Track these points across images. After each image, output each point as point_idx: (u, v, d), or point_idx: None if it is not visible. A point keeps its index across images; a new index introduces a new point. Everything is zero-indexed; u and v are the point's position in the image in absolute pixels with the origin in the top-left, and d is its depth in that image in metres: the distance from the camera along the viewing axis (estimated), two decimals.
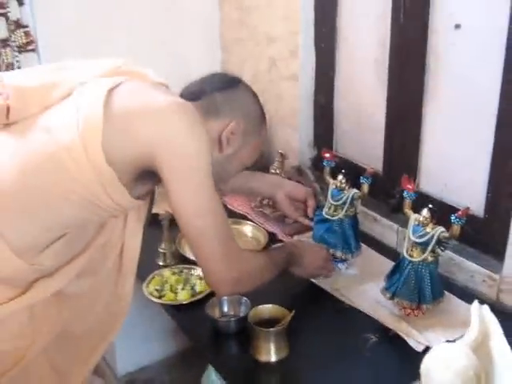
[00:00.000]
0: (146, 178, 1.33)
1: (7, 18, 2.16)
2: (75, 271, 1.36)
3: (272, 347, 1.44)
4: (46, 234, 1.28)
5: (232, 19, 2.53)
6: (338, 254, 1.78)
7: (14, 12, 2.17)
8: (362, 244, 1.85)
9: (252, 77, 2.49)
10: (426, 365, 1.07)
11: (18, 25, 2.19)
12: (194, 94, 1.42)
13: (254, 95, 1.55)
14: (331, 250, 1.77)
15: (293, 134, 2.34)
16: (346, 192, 1.74)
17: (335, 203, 1.75)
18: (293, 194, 1.88)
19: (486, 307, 1.23)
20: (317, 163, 2.27)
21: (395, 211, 1.95)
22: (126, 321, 2.08)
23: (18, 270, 1.26)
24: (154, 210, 2.01)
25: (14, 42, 2.20)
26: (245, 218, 2.14)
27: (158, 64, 2.48)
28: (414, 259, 1.52)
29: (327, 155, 1.81)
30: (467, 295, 1.66)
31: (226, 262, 1.32)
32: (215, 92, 1.44)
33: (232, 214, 2.15)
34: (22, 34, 2.21)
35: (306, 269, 1.67)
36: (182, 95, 1.43)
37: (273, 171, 2.14)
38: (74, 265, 1.35)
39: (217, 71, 1.57)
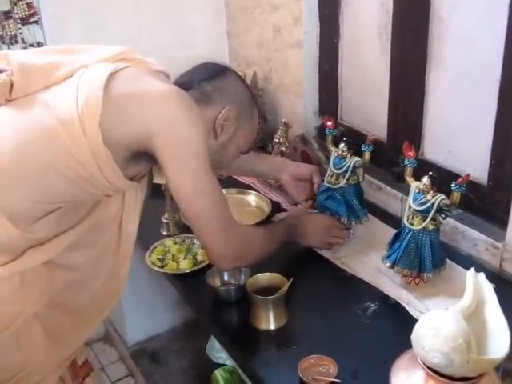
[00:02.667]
0: (141, 160, 1.36)
1: None
2: (66, 243, 1.37)
3: (271, 315, 1.44)
4: (41, 206, 1.29)
5: None
6: (342, 221, 1.77)
7: None
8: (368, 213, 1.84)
9: (257, 45, 2.46)
10: (417, 331, 1.07)
11: None
12: (184, 85, 1.44)
13: (243, 81, 1.60)
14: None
15: (297, 102, 2.32)
16: (347, 160, 1.73)
17: (337, 171, 1.74)
18: (297, 173, 1.88)
19: (481, 275, 1.21)
20: (322, 132, 2.25)
21: (399, 180, 1.93)
22: (135, 291, 2.12)
23: (12, 236, 1.28)
24: (157, 181, 2.02)
25: (17, 14, 2.19)
26: (249, 187, 2.13)
27: (163, 34, 2.51)
28: (414, 227, 1.51)
29: (329, 123, 1.79)
30: (470, 264, 1.64)
31: (224, 239, 1.36)
32: (204, 82, 1.48)
33: (237, 184, 2.15)
34: (25, 5, 2.20)
35: (312, 237, 1.71)
36: None
37: (276, 140, 2.13)
38: (66, 237, 1.36)
39: (205, 62, 1.58)
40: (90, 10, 2.33)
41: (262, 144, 2.35)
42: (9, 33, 2.18)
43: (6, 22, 2.17)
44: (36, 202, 1.28)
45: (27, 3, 2.19)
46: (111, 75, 1.31)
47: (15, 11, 2.18)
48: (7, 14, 2.16)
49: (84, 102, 1.25)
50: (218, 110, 1.46)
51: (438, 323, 1.02)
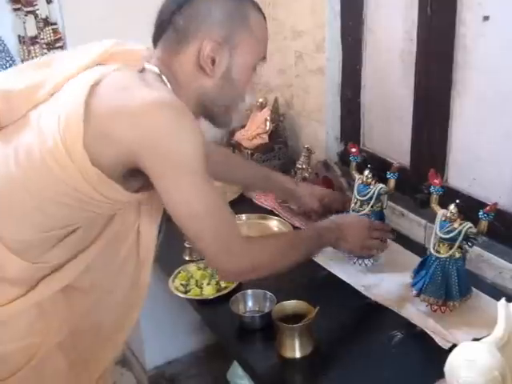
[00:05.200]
0: (138, 175, 1.24)
1: (36, 16, 2.18)
2: (83, 265, 1.31)
3: (297, 343, 1.43)
4: (53, 233, 1.24)
5: None
6: None
7: (43, 10, 2.19)
8: (390, 240, 1.83)
9: (279, 71, 2.48)
10: (450, 363, 1.05)
11: (47, 22, 2.21)
12: (158, 29, 1.33)
13: None
14: None
15: (320, 128, 2.33)
16: (372, 187, 1.72)
17: (361, 198, 1.73)
18: (321, 194, 1.92)
19: None
20: (344, 158, 2.25)
21: (423, 206, 1.92)
22: (154, 315, 2.11)
23: (21, 269, 1.24)
24: None
25: (43, 39, 2.22)
26: (271, 213, 2.13)
27: None
28: (440, 255, 1.51)
29: (353, 150, 1.79)
30: (496, 292, 1.63)
31: (227, 261, 1.29)
32: (174, 16, 1.29)
33: (258, 209, 2.16)
34: (51, 31, 2.23)
35: (349, 242, 1.63)
36: (153, 40, 1.36)
37: (299, 166, 2.13)
38: (82, 258, 1.31)
39: None
40: (113, 35, 2.35)
41: (284, 169, 2.35)
42: (35, 58, 2.20)
43: (32, 47, 2.20)
44: (40, 232, 1.23)
45: (53, 29, 2.23)
46: (93, 88, 1.19)
47: (41, 36, 2.21)
48: (34, 39, 2.19)
49: (65, 124, 1.16)
50: (198, 44, 1.28)
51: (472, 355, 1.01)
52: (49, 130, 1.18)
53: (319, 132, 2.33)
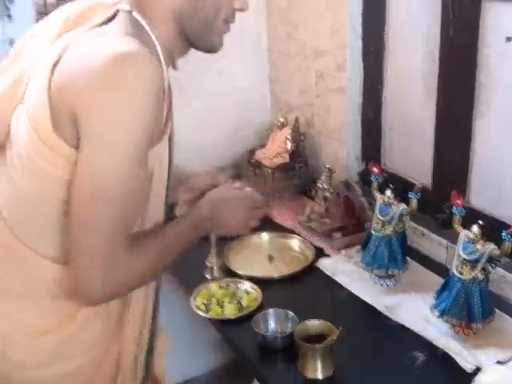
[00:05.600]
0: None
1: None
2: None
3: (319, 364, 1.43)
4: None
5: (279, 34, 2.54)
6: (386, 270, 1.76)
7: None
8: (410, 260, 1.83)
9: (300, 91, 2.49)
10: None
11: None
12: None
13: None
14: (377, 270, 1.75)
15: (340, 147, 2.33)
16: (393, 207, 1.72)
17: (383, 218, 1.73)
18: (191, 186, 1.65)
19: None
20: (365, 177, 2.25)
21: (445, 226, 1.92)
22: (174, 332, 2.10)
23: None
24: None
25: None
26: (292, 232, 2.13)
27: (207, 78, 2.55)
28: (463, 277, 1.50)
29: (375, 169, 1.79)
30: None
31: (103, 274, 1.12)
32: None
33: (279, 228, 2.16)
34: None
35: (229, 227, 1.47)
36: None
37: (320, 186, 2.13)
38: None
39: None
40: None
41: (304, 189, 2.36)
42: None
43: None
44: None
45: None
46: (53, 69, 1.12)
47: None
48: None
49: (33, 117, 1.13)
50: None
51: (498, 379, 1.01)
52: (23, 128, 1.15)
53: (340, 151, 2.34)
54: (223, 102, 2.62)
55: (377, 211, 1.75)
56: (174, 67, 1.34)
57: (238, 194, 1.49)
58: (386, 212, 1.73)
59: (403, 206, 1.71)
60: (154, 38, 1.20)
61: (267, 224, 2.18)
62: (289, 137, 2.35)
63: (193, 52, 2.47)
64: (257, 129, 2.70)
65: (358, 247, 1.89)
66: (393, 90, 2.12)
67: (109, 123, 1.05)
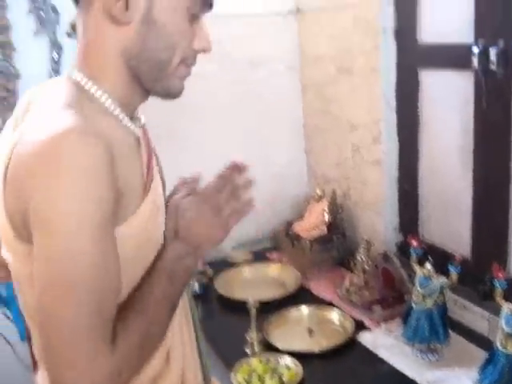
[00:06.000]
0: None
1: None
2: None
3: None
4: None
5: (315, 108, 2.60)
6: (428, 344, 1.74)
7: None
8: (452, 332, 1.80)
9: (336, 163, 2.53)
10: None
11: None
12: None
13: None
14: (418, 345, 1.73)
15: (378, 219, 2.35)
16: (434, 280, 1.72)
17: (423, 292, 1.73)
18: None
19: None
20: (403, 248, 2.25)
21: (486, 298, 1.90)
22: None
23: None
24: (242, 297, 2.06)
25: None
26: (331, 304, 2.13)
27: (244, 150, 2.61)
28: (508, 351, 1.48)
29: (414, 243, 1.80)
30: None
31: (80, 371, 0.92)
32: None
33: (318, 301, 2.15)
34: None
35: (209, 241, 1.15)
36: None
37: (358, 258, 2.14)
38: None
39: None
40: (182, 128, 2.47)
41: (342, 261, 2.36)
42: None
43: None
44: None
45: None
46: (8, 161, 1.00)
47: None
48: None
49: None
50: None
51: None
52: None
53: (377, 223, 2.35)
54: (260, 175, 2.65)
55: (417, 284, 1.75)
56: (133, 117, 1.13)
57: (196, 201, 1.17)
58: (426, 285, 1.72)
59: (443, 278, 1.71)
60: (98, 95, 1.05)
61: (306, 297, 2.20)
62: (326, 209, 2.38)
63: (233, 124, 2.57)
64: (294, 201, 2.74)
65: (399, 320, 1.88)
66: (429, 162, 2.14)
67: (54, 206, 0.91)
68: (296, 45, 2.64)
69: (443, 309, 1.76)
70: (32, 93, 1.13)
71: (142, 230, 1.06)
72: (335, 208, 2.42)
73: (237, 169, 1.22)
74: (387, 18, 2.16)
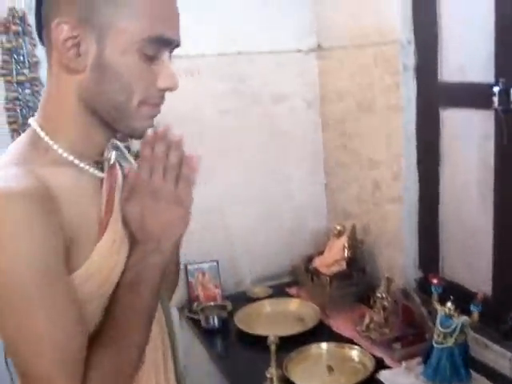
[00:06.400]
0: None
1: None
2: None
3: None
4: None
5: (335, 144, 2.62)
6: None
7: None
8: (474, 372, 1.79)
9: (356, 199, 2.54)
10: None
11: None
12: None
13: None
14: None
15: (398, 254, 2.34)
16: (455, 319, 1.71)
17: (444, 331, 1.72)
18: None
19: None
20: (422, 284, 2.24)
21: (508, 337, 1.88)
22: None
23: None
24: (262, 332, 2.06)
25: None
26: (351, 342, 2.12)
27: (263, 186, 2.63)
28: None
29: (435, 281, 1.80)
30: None
31: None
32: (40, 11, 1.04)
33: (338, 338, 2.14)
34: None
35: (169, 232, 1.08)
36: None
37: (379, 295, 2.13)
38: None
39: None
40: (203, 166, 2.49)
41: (362, 296, 2.35)
42: None
43: None
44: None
45: None
46: None
47: None
48: None
49: None
50: (53, 34, 0.99)
51: None
52: None
53: (397, 258, 2.35)
54: (280, 209, 2.69)
55: (438, 323, 1.74)
56: (99, 160, 1.10)
57: (134, 197, 1.09)
58: (448, 324, 1.71)
59: (464, 317, 1.70)
60: (51, 144, 1.04)
61: (326, 333, 2.19)
62: (346, 245, 2.38)
63: (254, 160, 2.59)
64: (312, 235, 2.75)
65: (419, 359, 1.87)
66: (449, 198, 2.14)
67: None
68: (317, 81, 2.67)
69: (464, 348, 1.75)
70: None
71: (102, 269, 1.03)
72: (355, 243, 2.42)
73: (157, 139, 1.07)
74: (408, 55, 2.18)
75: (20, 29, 2.07)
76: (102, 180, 1.10)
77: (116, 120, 1.05)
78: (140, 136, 1.09)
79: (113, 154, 1.15)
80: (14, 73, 2.08)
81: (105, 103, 1.03)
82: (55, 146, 1.04)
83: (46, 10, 1.02)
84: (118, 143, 1.21)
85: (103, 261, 1.03)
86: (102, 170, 1.11)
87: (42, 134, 1.05)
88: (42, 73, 2.11)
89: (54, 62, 1.03)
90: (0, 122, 2.12)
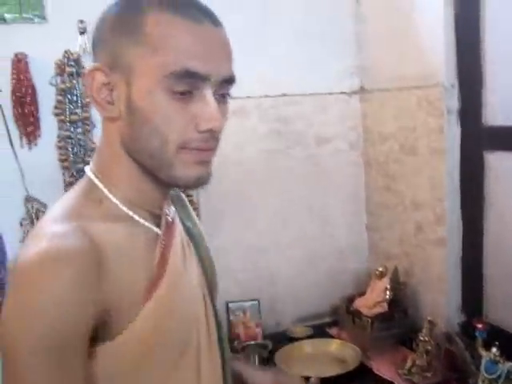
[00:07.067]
0: None
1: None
2: None
3: None
4: None
5: (378, 185, 2.63)
6: None
7: None
8: None
9: (398, 240, 2.53)
10: None
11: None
12: None
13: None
14: None
15: (441, 297, 2.33)
16: (500, 365, 1.69)
17: (489, 377, 1.70)
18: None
19: None
20: (466, 329, 2.22)
21: None
22: None
23: None
24: (302, 372, 2.05)
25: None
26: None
27: (305, 227, 2.65)
28: None
29: (479, 325, 1.78)
30: None
31: None
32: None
33: (379, 381, 2.12)
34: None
35: None
36: None
37: (421, 338, 2.11)
38: None
39: None
40: (244, 203, 2.53)
41: (403, 339, 2.33)
42: None
43: None
44: None
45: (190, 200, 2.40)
46: None
47: None
48: None
49: None
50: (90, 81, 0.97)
51: None
52: None
53: (440, 301, 2.33)
54: (322, 249, 2.70)
55: (483, 369, 1.72)
56: (160, 210, 1.06)
57: None
58: (493, 370, 1.69)
59: (510, 363, 1.68)
60: (106, 194, 1.00)
61: (367, 375, 2.17)
62: (388, 286, 2.37)
63: (294, 199, 2.62)
64: (354, 276, 2.75)
65: None
66: (494, 241, 2.13)
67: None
68: (360, 123, 2.70)
69: None
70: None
71: (144, 340, 0.95)
72: (397, 285, 2.41)
73: None
74: (452, 98, 2.20)
75: (74, 70, 2.15)
76: (157, 235, 1.03)
77: (155, 168, 0.98)
78: (188, 185, 1.02)
79: (171, 209, 1.10)
80: (68, 112, 2.16)
81: (141, 151, 0.97)
82: (110, 196, 1.00)
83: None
84: (183, 196, 1.20)
85: (148, 329, 0.96)
86: (159, 224, 1.04)
87: (97, 181, 1.01)
88: (94, 112, 2.18)
89: (90, 97, 0.99)
90: (50, 158, 2.20)
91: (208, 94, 0.94)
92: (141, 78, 0.93)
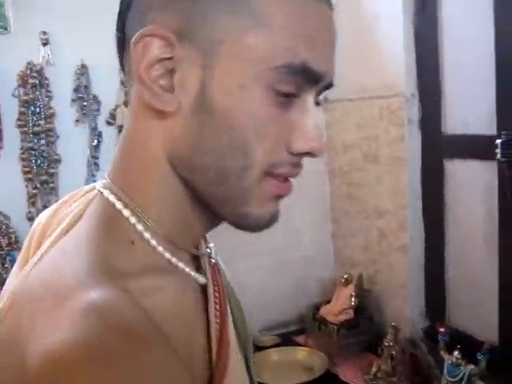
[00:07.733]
0: None
1: None
2: None
3: None
4: None
5: (342, 193, 2.67)
6: None
7: None
8: None
9: (363, 247, 2.57)
10: None
11: None
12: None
13: None
14: None
15: (404, 303, 2.36)
16: (462, 368, 1.73)
17: (452, 380, 1.73)
18: None
19: None
20: (429, 333, 2.25)
21: None
22: None
23: None
24: (270, 381, 2.06)
25: None
26: None
27: (271, 235, 2.65)
28: None
29: (441, 330, 1.82)
30: None
31: None
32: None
33: None
34: None
35: None
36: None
37: (386, 344, 2.14)
38: None
39: None
40: None
41: (369, 345, 2.36)
42: None
43: None
44: None
45: None
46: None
47: None
48: None
49: None
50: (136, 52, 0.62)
51: None
52: None
53: (404, 307, 2.36)
54: (287, 258, 2.72)
55: (445, 372, 1.76)
56: (198, 247, 0.79)
57: None
58: (455, 373, 1.73)
59: (471, 366, 1.72)
60: (140, 227, 0.66)
61: (333, 382, 2.19)
62: (353, 293, 2.40)
63: None
64: (320, 283, 2.77)
65: None
66: (455, 248, 2.17)
67: None
68: (324, 132, 2.73)
69: None
70: (42, 215, 0.79)
71: None
72: (362, 292, 2.44)
73: None
74: (412, 108, 2.25)
75: (37, 81, 2.14)
76: (202, 287, 0.74)
77: (220, 199, 0.67)
78: (256, 228, 0.73)
79: (212, 246, 0.83)
80: (31, 124, 2.14)
81: (205, 171, 0.65)
82: (147, 236, 0.66)
83: (131, 20, 0.66)
84: None
85: None
86: (197, 266, 0.76)
87: (126, 212, 0.66)
88: (57, 124, 2.17)
89: (133, 97, 0.67)
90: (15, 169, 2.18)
91: (310, 101, 0.67)
92: (230, 63, 0.62)
